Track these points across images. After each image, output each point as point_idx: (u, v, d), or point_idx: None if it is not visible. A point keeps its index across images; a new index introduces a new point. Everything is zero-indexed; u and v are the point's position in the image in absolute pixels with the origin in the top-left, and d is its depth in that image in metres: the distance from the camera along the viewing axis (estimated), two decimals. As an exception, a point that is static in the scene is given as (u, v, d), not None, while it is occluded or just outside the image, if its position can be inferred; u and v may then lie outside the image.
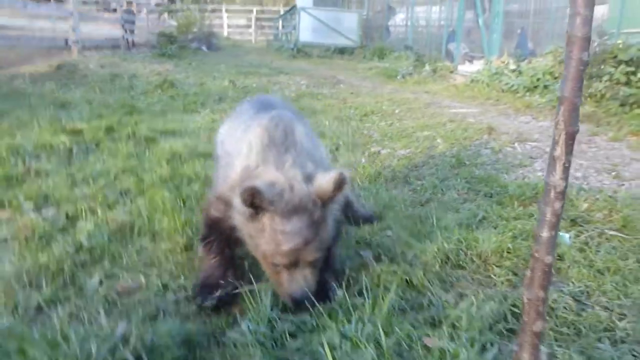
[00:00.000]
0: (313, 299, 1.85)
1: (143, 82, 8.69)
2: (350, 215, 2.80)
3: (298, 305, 1.84)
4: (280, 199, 1.74)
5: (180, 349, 1.58)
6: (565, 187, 0.86)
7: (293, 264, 1.81)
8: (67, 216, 2.77)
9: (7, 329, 1.53)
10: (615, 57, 6.46)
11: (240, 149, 2.01)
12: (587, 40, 0.84)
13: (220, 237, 2.13)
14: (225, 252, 2.14)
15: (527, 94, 7.91)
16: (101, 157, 4.05)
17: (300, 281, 1.83)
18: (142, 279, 2.15)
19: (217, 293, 1.97)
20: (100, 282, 2.11)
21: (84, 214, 2.78)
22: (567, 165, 0.86)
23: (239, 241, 2.22)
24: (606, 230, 2.82)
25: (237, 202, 1.78)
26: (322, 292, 2.00)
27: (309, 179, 1.82)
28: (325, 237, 1.85)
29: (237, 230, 1.98)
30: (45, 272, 2.14)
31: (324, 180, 1.78)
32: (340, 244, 2.57)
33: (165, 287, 2.09)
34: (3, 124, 4.93)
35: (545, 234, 0.87)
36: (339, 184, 1.76)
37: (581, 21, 0.83)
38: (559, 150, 0.85)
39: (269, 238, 1.77)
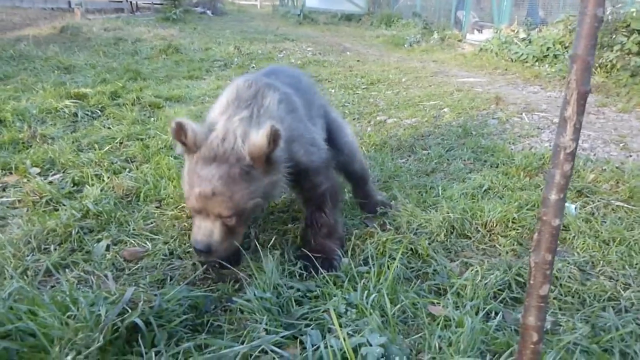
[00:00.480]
0: (216, 252, 1.78)
1: (147, 46, 8.59)
2: (363, 197, 2.70)
3: (199, 254, 1.80)
4: (207, 145, 1.73)
5: (187, 314, 1.60)
6: (576, 148, 0.84)
7: (202, 212, 1.74)
8: (73, 182, 2.78)
9: (18, 291, 1.55)
10: (628, 26, 6.32)
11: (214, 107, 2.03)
12: (603, -7, 0.80)
13: None
14: None
15: (537, 63, 7.79)
16: (106, 123, 4.03)
17: (204, 231, 1.74)
18: (149, 245, 2.16)
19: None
20: (108, 248, 2.12)
21: (90, 179, 2.79)
22: (577, 126, 0.83)
23: None
24: (612, 201, 2.82)
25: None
26: (327, 261, 2.02)
27: (245, 136, 1.75)
28: (240, 197, 1.72)
29: None
30: (53, 236, 2.15)
31: (257, 135, 1.70)
32: (343, 211, 2.59)
33: (171, 253, 2.11)
34: (8, 87, 4.90)
35: (553, 196, 0.85)
36: (271, 138, 1.65)
37: (597, -25, 0.80)
38: (570, 110, 0.82)
39: (188, 178, 1.77)
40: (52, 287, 1.81)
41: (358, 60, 8.85)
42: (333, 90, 6.03)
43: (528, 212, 2.55)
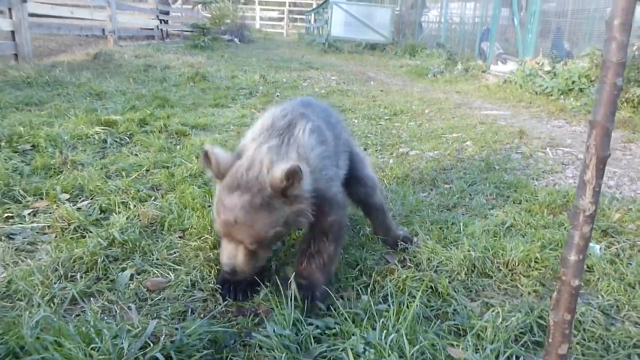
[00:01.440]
0: (240, 273, 1.90)
1: (175, 73, 8.81)
2: (384, 232, 2.67)
3: (227, 275, 1.93)
4: (232, 173, 1.82)
5: (207, 348, 1.62)
6: (595, 210, 0.86)
7: (227, 236, 1.85)
8: (100, 209, 2.85)
9: (45, 320, 1.60)
10: (656, 61, 6.28)
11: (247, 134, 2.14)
12: (622, 65, 0.83)
13: None
14: None
15: (562, 97, 7.74)
16: (134, 150, 4.14)
17: (229, 254, 1.86)
18: (171, 276, 2.20)
19: (239, 287, 2.06)
20: (131, 277, 2.17)
21: (117, 207, 2.86)
22: (597, 189, 0.85)
23: None
24: (638, 242, 2.77)
25: None
26: (309, 290, 1.99)
27: (271, 166, 1.81)
28: (261, 227, 1.79)
29: None
30: (80, 264, 2.21)
31: (277, 169, 1.76)
32: (364, 246, 2.59)
33: (193, 284, 2.14)
34: (42, 112, 5.08)
35: (573, 257, 0.86)
36: (288, 176, 1.71)
37: (616, 46, 0.82)
38: (589, 175, 0.84)
39: (215, 205, 1.87)
40: (77, 315, 1.85)
41: (381, 90, 8.93)
42: (356, 121, 6.09)
43: (551, 252, 2.52)
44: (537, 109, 7.28)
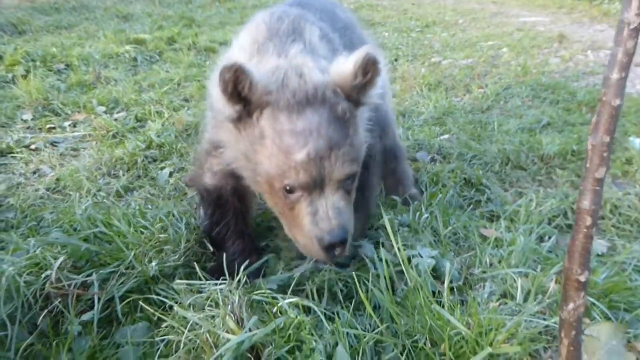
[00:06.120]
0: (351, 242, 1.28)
1: (201, -5, 8.62)
2: (393, 181, 2.04)
3: (331, 251, 1.23)
4: (283, 87, 1.22)
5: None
6: (640, 24, 0.79)
7: (312, 186, 1.21)
8: (136, 118, 2.91)
9: (94, 204, 1.69)
10: None
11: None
12: None
13: (233, 211, 1.54)
14: (245, 232, 1.57)
15: (606, 0, 7.28)
16: (164, 66, 4.15)
17: (333, 213, 1.22)
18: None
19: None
20: (170, 174, 2.24)
21: (152, 116, 2.91)
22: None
23: (251, 201, 1.63)
24: (683, 136, 2.68)
25: (216, 99, 1.23)
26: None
27: (324, 69, 1.29)
28: (359, 143, 1.27)
29: (233, 165, 1.38)
30: (121, 164, 2.29)
31: (344, 63, 1.24)
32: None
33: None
34: (72, 34, 5.10)
35: (615, 75, 0.81)
36: (365, 66, 1.20)
37: None
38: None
39: (273, 147, 1.19)
40: (123, 205, 1.95)
41: (413, 3, 8.57)
42: (387, 34, 5.91)
43: (588, 145, 2.47)
44: (579, 15, 6.89)
